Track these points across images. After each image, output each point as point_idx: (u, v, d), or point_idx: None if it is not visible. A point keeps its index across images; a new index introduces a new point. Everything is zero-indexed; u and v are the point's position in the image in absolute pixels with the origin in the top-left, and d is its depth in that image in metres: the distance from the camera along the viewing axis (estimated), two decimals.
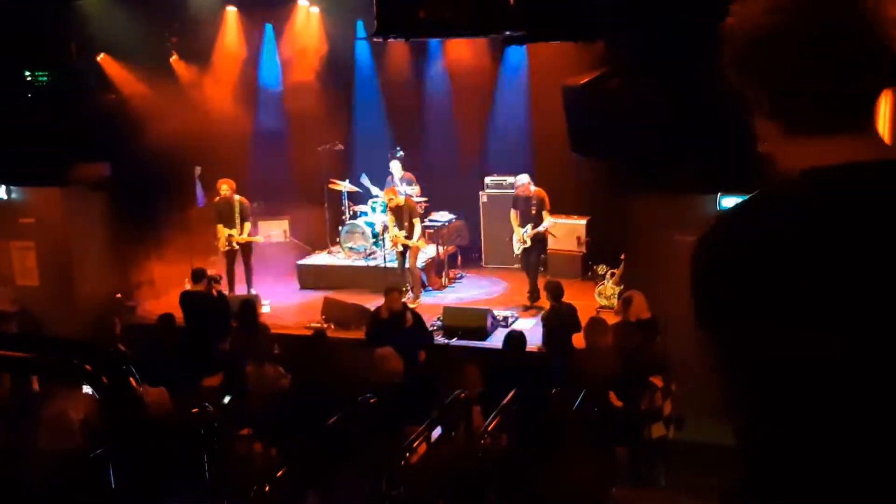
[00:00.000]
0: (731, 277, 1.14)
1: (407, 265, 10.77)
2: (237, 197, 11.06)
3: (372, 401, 3.79)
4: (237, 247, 11.07)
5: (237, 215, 10.98)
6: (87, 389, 5.62)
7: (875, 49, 1.14)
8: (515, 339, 7.07)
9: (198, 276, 9.13)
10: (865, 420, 1.07)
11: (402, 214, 10.69)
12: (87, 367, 1.36)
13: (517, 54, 11.91)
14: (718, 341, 1.18)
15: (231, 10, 11.69)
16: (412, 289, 10.78)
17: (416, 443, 3.98)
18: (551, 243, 11.50)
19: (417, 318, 8.59)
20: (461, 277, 12.13)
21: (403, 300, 9.01)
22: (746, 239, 1.14)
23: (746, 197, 1.20)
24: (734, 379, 1.18)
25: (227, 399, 6.53)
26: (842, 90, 1.15)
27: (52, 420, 5.37)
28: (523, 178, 10.57)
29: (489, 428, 4.75)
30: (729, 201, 7.96)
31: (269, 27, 12.26)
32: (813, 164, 1.15)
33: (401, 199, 10.73)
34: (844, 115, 1.17)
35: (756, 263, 1.12)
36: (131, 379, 1.34)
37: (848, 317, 1.06)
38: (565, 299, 8.47)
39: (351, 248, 12.00)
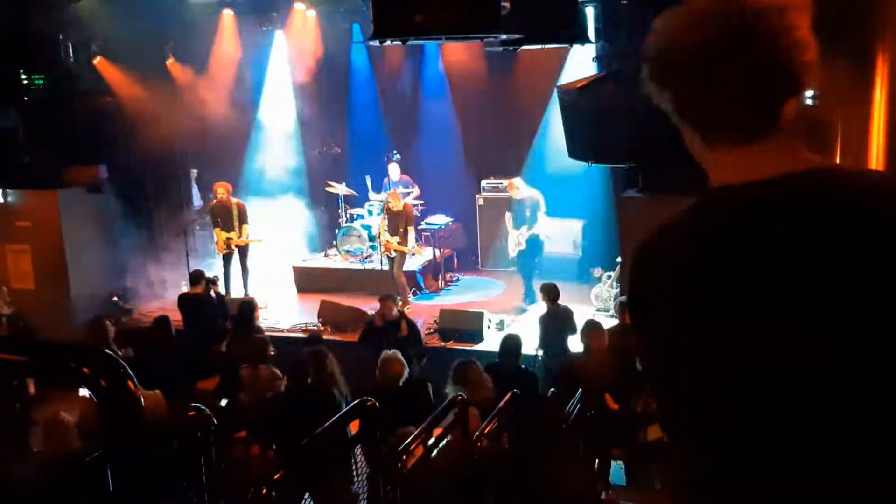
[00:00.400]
0: (640, 289, 1.30)
1: (394, 273, 10.76)
2: (234, 200, 11.07)
3: (369, 403, 3.80)
4: (235, 249, 11.07)
5: (235, 218, 10.98)
6: (83, 392, 5.62)
7: (779, 60, 1.18)
8: (511, 342, 7.08)
9: (196, 278, 9.14)
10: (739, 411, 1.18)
11: (397, 220, 10.68)
12: (85, 370, 1.37)
13: (508, 57, 11.95)
14: (638, 342, 1.34)
15: (227, 14, 11.70)
16: (400, 296, 10.79)
17: (413, 445, 3.99)
18: (547, 246, 11.51)
19: (412, 326, 8.60)
20: (457, 280, 12.15)
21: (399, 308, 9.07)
22: (652, 256, 1.29)
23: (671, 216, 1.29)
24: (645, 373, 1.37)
25: (223, 402, 6.52)
26: (749, 102, 1.21)
27: (47, 423, 5.37)
28: (518, 181, 10.60)
29: (486, 430, 4.76)
30: None
31: (273, 33, 12.27)
32: (726, 174, 1.23)
33: (400, 205, 10.73)
34: (753, 125, 1.22)
35: (654, 277, 1.27)
36: (129, 382, 1.34)
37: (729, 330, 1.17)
38: (561, 301, 8.48)
39: (347, 251, 12.01)
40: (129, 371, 1.37)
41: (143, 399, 1.37)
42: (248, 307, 8.48)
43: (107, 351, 1.35)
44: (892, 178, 1.37)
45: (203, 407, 2.84)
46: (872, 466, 1.12)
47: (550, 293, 8.40)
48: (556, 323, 8.21)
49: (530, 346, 8.21)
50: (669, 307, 1.23)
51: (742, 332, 1.16)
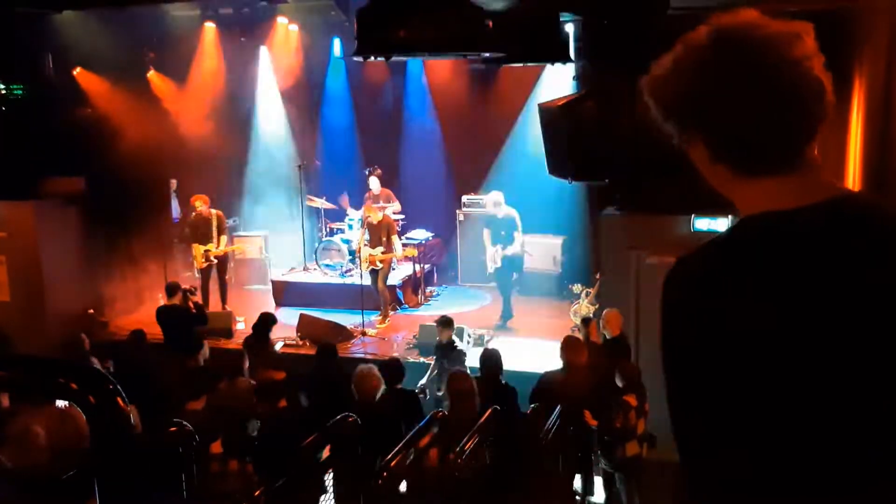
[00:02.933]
0: (679, 316, 1.27)
1: (377, 286, 10.74)
2: (214, 211, 11.00)
3: (350, 419, 3.79)
4: (214, 261, 10.99)
5: (214, 229, 10.92)
6: (60, 403, 5.54)
7: (803, 93, 1.22)
8: (491, 357, 7.09)
9: (172, 290, 9.05)
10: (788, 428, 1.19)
11: (379, 231, 10.67)
12: (74, 385, 1.37)
13: (490, 73, 12.06)
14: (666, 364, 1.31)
15: (209, 26, 11.69)
16: (381, 309, 10.77)
17: (394, 462, 3.98)
18: (527, 262, 11.57)
19: None
20: (437, 295, 12.16)
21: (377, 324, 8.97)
22: (691, 283, 1.27)
23: (705, 243, 1.29)
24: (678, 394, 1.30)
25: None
26: (779, 134, 1.24)
27: (17, 436, 5.27)
28: (496, 198, 10.63)
29: (466, 447, 4.76)
30: (702, 223, 8.10)
31: (255, 46, 12.28)
32: (755, 206, 1.25)
33: (379, 216, 10.73)
34: (784, 156, 1.25)
35: (697, 304, 1.24)
36: (118, 398, 1.35)
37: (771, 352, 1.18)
38: (540, 316, 8.50)
39: (327, 266, 11.98)
40: (118, 387, 1.38)
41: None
42: (265, 320, 8.39)
43: (95, 367, 1.35)
44: None
45: (185, 423, 2.82)
46: None
47: (444, 325, 8.23)
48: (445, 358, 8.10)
49: (510, 361, 8.21)
50: (728, 328, 1.21)
51: (806, 354, 1.17)
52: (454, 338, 8.31)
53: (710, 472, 1.27)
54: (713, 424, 1.24)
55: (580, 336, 7.71)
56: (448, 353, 8.10)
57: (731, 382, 1.21)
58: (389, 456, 4.08)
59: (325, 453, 4.00)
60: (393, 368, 6.62)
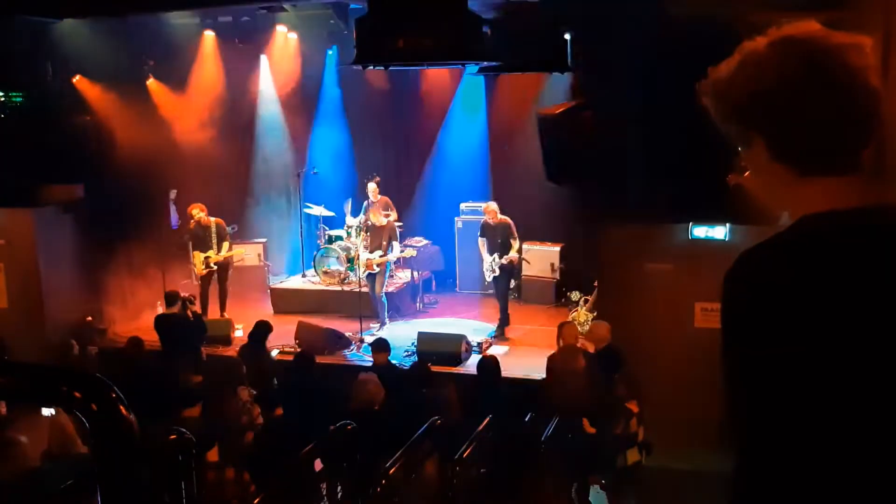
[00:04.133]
0: (748, 309, 1.30)
1: (375, 292, 10.74)
2: (213, 219, 11.01)
3: (349, 427, 3.80)
4: (214, 268, 10.99)
5: (214, 236, 10.93)
6: (45, 412, 5.52)
7: (864, 99, 1.30)
8: (489, 365, 7.09)
9: (171, 299, 9.06)
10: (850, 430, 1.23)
11: (381, 235, 10.67)
12: (77, 394, 1.38)
13: (489, 82, 12.11)
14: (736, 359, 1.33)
15: (209, 35, 11.72)
16: (379, 317, 10.77)
17: (392, 470, 3.99)
18: (525, 270, 11.59)
19: None
20: (435, 303, 12.16)
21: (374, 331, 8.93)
22: (758, 278, 1.30)
23: (764, 240, 1.33)
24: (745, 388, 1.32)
25: None
26: (841, 136, 1.32)
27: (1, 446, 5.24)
28: (491, 206, 10.64)
29: (464, 455, 4.76)
30: (700, 230, 8.12)
31: (254, 54, 12.32)
32: (813, 206, 1.32)
33: (383, 221, 10.73)
34: (843, 158, 1.33)
35: (768, 299, 1.28)
36: (121, 406, 1.36)
37: (837, 343, 1.23)
38: (538, 324, 8.51)
39: (325, 273, 11.99)
40: (121, 395, 1.38)
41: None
42: (261, 328, 8.39)
43: (98, 375, 1.36)
44: None
45: (184, 430, 2.83)
46: None
47: (378, 349, 8.14)
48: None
49: (508, 369, 8.22)
50: (794, 322, 1.26)
51: (854, 344, 1.23)
52: (391, 360, 8.24)
53: (763, 468, 1.30)
54: (773, 412, 1.28)
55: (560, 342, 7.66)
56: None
57: (794, 373, 1.25)
58: (388, 464, 4.09)
59: (318, 463, 4.01)
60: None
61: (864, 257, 1.25)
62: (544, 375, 7.40)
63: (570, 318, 10.42)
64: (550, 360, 7.35)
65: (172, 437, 2.77)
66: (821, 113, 1.29)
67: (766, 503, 1.31)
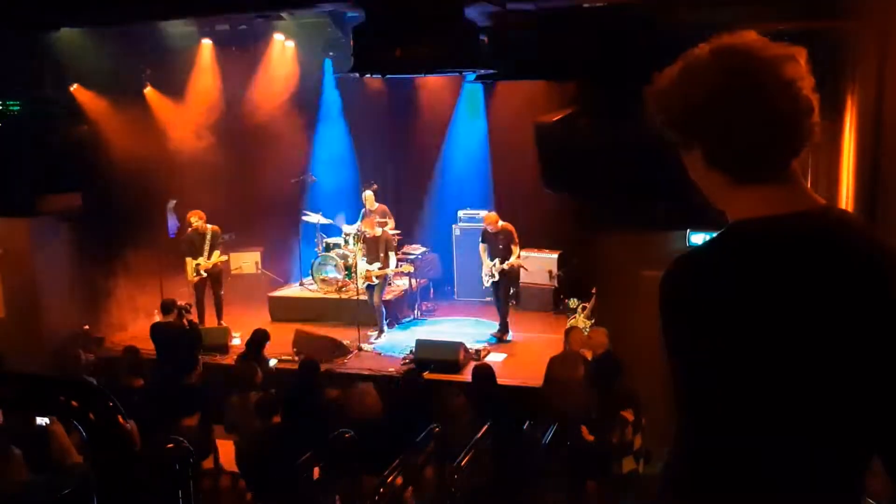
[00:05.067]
0: (677, 305, 1.43)
1: (374, 301, 10.74)
2: (209, 226, 11.01)
3: (347, 436, 3.79)
4: (205, 275, 10.97)
5: (208, 244, 10.92)
6: (40, 421, 5.49)
7: (794, 111, 1.35)
8: (483, 372, 7.07)
9: (167, 307, 9.04)
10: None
11: (377, 246, 10.69)
12: (74, 403, 1.38)
13: (487, 90, 12.13)
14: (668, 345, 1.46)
15: (206, 43, 11.74)
16: (377, 325, 10.76)
17: (391, 478, 3.98)
18: (523, 277, 11.59)
19: None
20: (434, 310, 12.16)
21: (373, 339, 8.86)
22: (686, 279, 1.43)
23: (697, 244, 1.43)
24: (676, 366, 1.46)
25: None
26: (772, 146, 1.38)
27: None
28: (490, 215, 10.66)
29: (462, 463, 4.75)
30: (698, 237, 8.13)
31: (252, 63, 12.32)
32: (744, 211, 1.40)
33: (378, 231, 10.74)
34: (773, 167, 1.39)
35: (692, 298, 1.40)
36: (119, 416, 1.36)
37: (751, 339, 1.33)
38: (536, 331, 8.51)
39: (323, 281, 11.98)
40: (118, 404, 1.38)
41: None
42: (258, 337, 8.37)
43: (94, 384, 1.36)
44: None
45: (181, 439, 2.82)
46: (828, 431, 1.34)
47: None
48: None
49: (506, 376, 8.22)
50: (710, 320, 1.37)
51: (762, 344, 1.33)
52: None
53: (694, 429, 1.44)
54: (697, 385, 1.42)
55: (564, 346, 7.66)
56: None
57: (713, 363, 1.36)
58: (386, 472, 4.08)
59: (315, 472, 3.99)
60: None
61: (786, 260, 1.33)
62: (543, 381, 7.39)
63: (568, 325, 10.44)
64: (550, 364, 7.33)
65: (170, 445, 2.76)
66: (752, 124, 1.35)
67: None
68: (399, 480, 4.07)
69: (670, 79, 1.43)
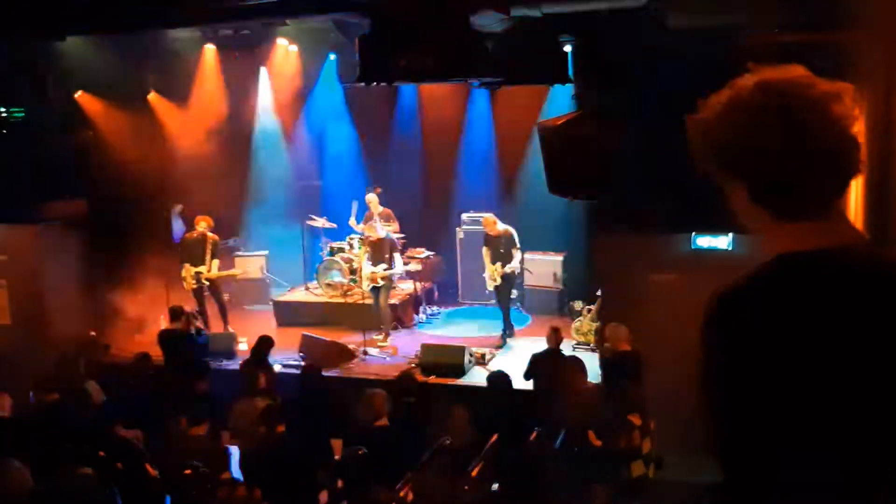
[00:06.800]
0: (727, 332, 1.42)
1: (379, 304, 10.74)
2: (210, 235, 10.94)
3: (360, 452, 3.80)
4: (206, 283, 10.94)
5: (208, 252, 10.86)
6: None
7: (840, 151, 1.36)
8: (500, 380, 7.04)
9: (176, 314, 9.06)
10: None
11: (382, 249, 10.69)
12: (101, 453, 1.39)
13: (492, 93, 12.12)
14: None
15: (210, 48, 11.74)
16: (383, 328, 10.77)
17: (403, 492, 3.99)
18: (528, 279, 11.59)
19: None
20: (438, 313, 12.16)
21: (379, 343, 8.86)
22: (733, 310, 1.42)
23: (739, 279, 1.43)
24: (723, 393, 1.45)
25: None
26: (818, 185, 1.37)
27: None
28: (489, 218, 10.66)
29: (473, 473, 4.76)
30: (703, 240, 8.13)
31: (255, 67, 12.35)
32: (788, 245, 1.40)
33: (380, 234, 10.74)
34: (818, 204, 1.39)
35: (737, 327, 1.40)
36: (147, 465, 1.36)
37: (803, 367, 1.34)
38: (542, 335, 8.50)
39: (328, 285, 11.98)
40: (146, 453, 1.39)
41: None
42: (263, 343, 8.39)
43: (122, 434, 1.37)
44: None
45: (198, 465, 2.83)
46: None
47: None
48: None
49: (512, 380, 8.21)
50: (760, 350, 1.37)
51: (809, 374, 1.33)
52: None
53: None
54: (740, 412, 1.41)
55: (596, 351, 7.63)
56: None
57: (754, 388, 1.37)
58: (399, 485, 4.10)
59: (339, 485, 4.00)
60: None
61: (835, 294, 1.34)
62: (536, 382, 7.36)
63: (573, 328, 10.44)
64: (540, 364, 7.29)
65: (188, 472, 2.77)
66: (798, 163, 1.35)
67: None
68: (410, 496, 4.09)
69: (715, 111, 1.42)
